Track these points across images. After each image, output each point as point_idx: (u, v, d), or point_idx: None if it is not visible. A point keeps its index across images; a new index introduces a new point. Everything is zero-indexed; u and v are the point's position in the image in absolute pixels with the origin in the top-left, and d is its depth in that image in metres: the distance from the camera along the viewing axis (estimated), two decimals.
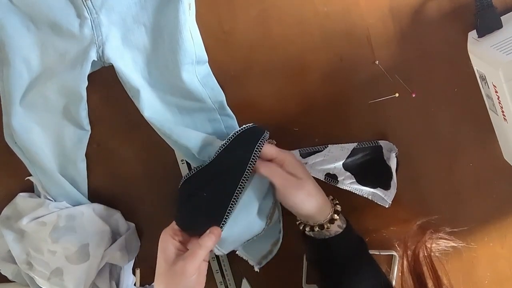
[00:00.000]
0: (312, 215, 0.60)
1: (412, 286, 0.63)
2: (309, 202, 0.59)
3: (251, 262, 0.67)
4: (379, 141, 0.67)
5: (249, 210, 0.61)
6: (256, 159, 0.59)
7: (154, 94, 0.65)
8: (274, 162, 0.60)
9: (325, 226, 0.60)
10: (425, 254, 0.65)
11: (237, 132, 0.62)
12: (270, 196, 0.63)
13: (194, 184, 0.63)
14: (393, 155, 0.66)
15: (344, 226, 0.61)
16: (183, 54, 0.62)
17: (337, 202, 0.63)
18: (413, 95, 0.65)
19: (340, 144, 0.67)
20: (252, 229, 0.63)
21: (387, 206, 0.67)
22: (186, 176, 0.64)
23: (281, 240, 0.67)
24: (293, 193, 0.59)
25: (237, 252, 0.66)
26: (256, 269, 0.67)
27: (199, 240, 0.56)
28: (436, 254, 0.67)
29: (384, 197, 0.67)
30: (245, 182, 0.59)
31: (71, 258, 0.66)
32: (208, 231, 0.57)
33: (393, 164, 0.66)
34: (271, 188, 0.62)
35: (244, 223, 0.61)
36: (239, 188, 0.59)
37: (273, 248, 0.67)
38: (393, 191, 0.67)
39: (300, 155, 0.67)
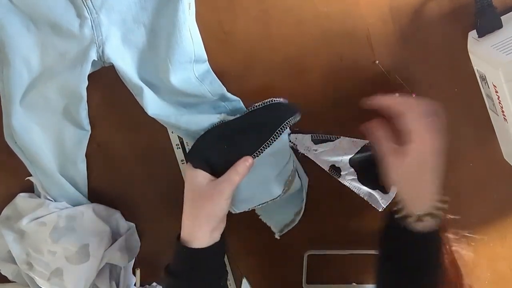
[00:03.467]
0: (416, 194, 0.57)
1: None
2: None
3: (273, 229, 0.69)
4: None
5: (266, 172, 0.62)
6: (285, 129, 0.61)
7: (155, 92, 0.65)
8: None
9: (423, 218, 0.56)
10: (447, 252, 0.63)
11: (272, 100, 0.63)
12: (291, 162, 0.64)
13: (216, 134, 0.63)
14: None
15: (423, 230, 0.57)
16: (182, 54, 0.62)
17: (434, 212, 0.57)
18: (413, 95, 0.65)
19: (351, 138, 0.67)
20: (267, 193, 0.63)
21: (380, 210, 0.67)
22: (211, 126, 0.63)
23: (303, 210, 0.68)
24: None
25: (260, 217, 0.68)
26: (277, 236, 0.68)
27: (235, 165, 0.59)
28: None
29: (380, 200, 0.67)
30: (266, 147, 0.61)
31: (71, 259, 0.66)
32: (243, 158, 0.59)
33: None
34: (293, 155, 0.64)
35: (260, 184, 0.62)
36: (260, 150, 0.61)
37: (296, 217, 0.69)
38: (391, 195, 0.67)
39: (312, 141, 0.67)
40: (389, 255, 0.61)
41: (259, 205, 0.65)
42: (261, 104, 0.63)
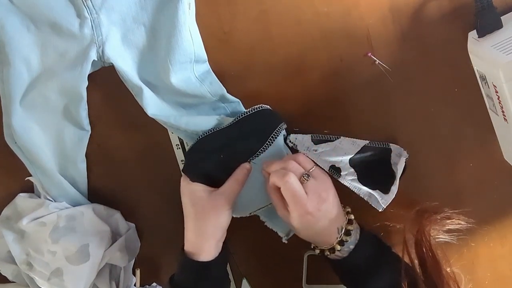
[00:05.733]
0: (317, 242, 0.61)
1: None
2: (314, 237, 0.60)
3: (280, 234, 0.68)
4: (390, 144, 0.67)
5: (261, 179, 0.62)
6: (279, 133, 0.62)
7: (155, 92, 0.65)
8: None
9: (335, 249, 0.60)
10: (424, 239, 0.64)
11: (261, 107, 0.64)
12: None
13: (209, 144, 0.63)
14: (403, 159, 0.66)
15: (341, 257, 0.60)
16: (182, 54, 0.62)
17: (351, 218, 0.62)
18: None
19: (352, 139, 0.67)
20: (265, 198, 0.63)
21: (380, 210, 0.67)
22: (202, 135, 0.63)
23: None
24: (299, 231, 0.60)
25: (265, 224, 0.68)
26: (284, 240, 0.68)
27: (234, 174, 0.60)
28: (445, 238, 0.66)
29: (380, 200, 0.67)
30: (262, 153, 0.62)
31: (71, 259, 0.66)
32: (240, 166, 0.60)
33: (400, 168, 0.66)
34: None
35: (258, 190, 0.63)
36: (256, 155, 0.62)
37: None
38: (391, 196, 0.66)
39: (312, 141, 0.67)
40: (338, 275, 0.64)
41: (257, 210, 0.65)
42: (251, 111, 0.64)
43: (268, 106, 0.65)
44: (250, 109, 0.64)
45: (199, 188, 0.60)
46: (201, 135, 0.63)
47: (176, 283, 0.60)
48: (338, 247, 0.60)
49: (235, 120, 0.64)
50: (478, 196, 0.69)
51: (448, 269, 0.61)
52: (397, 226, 0.69)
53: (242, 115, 0.64)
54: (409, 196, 0.69)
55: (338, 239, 0.60)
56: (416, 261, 0.62)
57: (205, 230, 0.59)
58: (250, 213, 0.66)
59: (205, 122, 0.64)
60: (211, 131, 0.63)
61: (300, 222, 0.58)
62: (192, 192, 0.60)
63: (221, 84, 0.66)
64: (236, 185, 0.59)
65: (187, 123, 0.64)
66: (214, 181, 0.61)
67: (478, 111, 0.66)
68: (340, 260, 0.60)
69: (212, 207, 0.58)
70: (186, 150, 0.70)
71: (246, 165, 0.61)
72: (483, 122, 0.66)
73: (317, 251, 0.62)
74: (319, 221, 0.58)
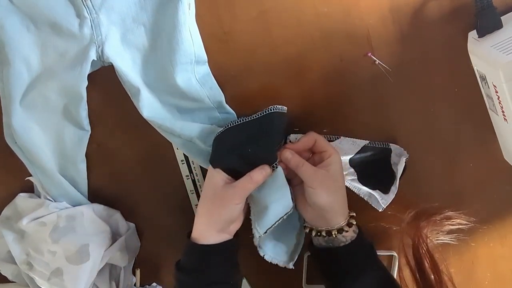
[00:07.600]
0: (326, 212, 0.60)
1: (411, 276, 0.64)
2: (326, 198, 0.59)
3: (283, 264, 0.66)
4: (390, 144, 0.67)
5: (283, 182, 0.62)
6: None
7: (152, 94, 0.65)
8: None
9: (333, 234, 0.60)
10: (422, 242, 0.64)
11: (282, 108, 0.63)
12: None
13: (237, 135, 0.62)
14: (403, 159, 0.66)
15: (353, 238, 0.61)
16: (182, 54, 0.62)
17: (354, 215, 0.63)
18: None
19: (352, 138, 0.67)
20: (285, 205, 0.62)
21: (380, 210, 0.67)
22: (229, 125, 0.62)
23: (304, 228, 0.66)
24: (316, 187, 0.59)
25: (265, 258, 0.66)
26: (291, 266, 0.66)
27: (251, 173, 0.59)
28: (445, 239, 0.67)
29: (380, 200, 0.67)
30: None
31: (71, 259, 0.66)
32: (259, 166, 0.60)
33: (400, 168, 0.66)
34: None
35: (280, 197, 0.61)
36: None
37: (300, 238, 0.67)
38: (391, 196, 0.67)
39: None
40: (324, 272, 0.64)
41: (276, 222, 0.62)
42: (277, 109, 0.62)
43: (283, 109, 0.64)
44: (278, 107, 0.62)
45: (218, 176, 0.61)
46: (229, 124, 0.62)
47: (179, 265, 0.62)
48: (336, 232, 0.60)
49: (264, 112, 0.62)
50: (478, 196, 0.69)
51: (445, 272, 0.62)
52: (393, 228, 0.69)
53: (272, 109, 0.62)
54: (409, 197, 0.69)
55: (343, 223, 0.60)
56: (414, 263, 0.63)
57: (207, 217, 0.60)
58: (272, 225, 0.62)
59: (199, 127, 0.64)
60: (241, 120, 0.62)
61: (337, 166, 0.60)
62: (211, 176, 0.61)
63: (220, 91, 0.65)
64: (249, 183, 0.59)
65: (182, 127, 0.64)
66: (240, 173, 0.60)
67: (478, 111, 0.66)
68: (334, 249, 0.61)
69: (220, 198, 0.59)
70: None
71: (265, 167, 0.60)
72: (483, 122, 0.66)
73: (314, 233, 0.62)
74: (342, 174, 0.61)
